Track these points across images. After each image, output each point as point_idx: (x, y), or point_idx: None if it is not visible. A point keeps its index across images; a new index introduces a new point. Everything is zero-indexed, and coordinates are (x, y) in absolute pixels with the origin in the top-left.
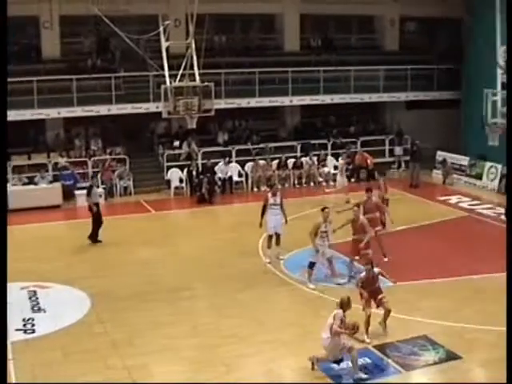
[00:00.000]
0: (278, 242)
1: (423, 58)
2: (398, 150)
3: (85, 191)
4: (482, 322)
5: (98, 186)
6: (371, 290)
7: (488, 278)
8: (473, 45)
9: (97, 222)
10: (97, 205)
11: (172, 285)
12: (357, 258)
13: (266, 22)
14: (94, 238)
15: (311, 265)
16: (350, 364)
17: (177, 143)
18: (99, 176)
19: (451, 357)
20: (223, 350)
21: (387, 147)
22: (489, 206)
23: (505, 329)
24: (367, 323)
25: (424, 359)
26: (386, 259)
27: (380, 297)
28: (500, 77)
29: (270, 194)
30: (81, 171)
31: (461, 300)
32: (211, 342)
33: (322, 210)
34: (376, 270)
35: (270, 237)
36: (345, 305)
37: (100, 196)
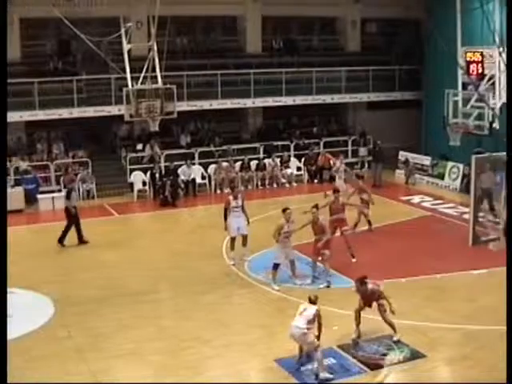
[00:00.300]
0: (244, 243)
1: (384, 58)
2: (363, 151)
3: (49, 195)
4: (445, 321)
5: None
6: (370, 304)
7: (451, 276)
8: (433, 45)
9: (72, 225)
10: (75, 208)
11: (136, 288)
12: (319, 258)
13: (227, 24)
14: (62, 239)
15: (275, 266)
16: (316, 364)
17: (139, 146)
18: (61, 180)
19: (416, 355)
20: (188, 353)
21: (350, 148)
22: (451, 205)
23: (472, 327)
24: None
25: (389, 358)
26: (354, 260)
27: (381, 308)
28: (460, 77)
29: (231, 197)
30: (43, 175)
31: (424, 299)
32: (176, 346)
33: (284, 210)
34: (370, 286)
35: (233, 239)
36: (316, 302)
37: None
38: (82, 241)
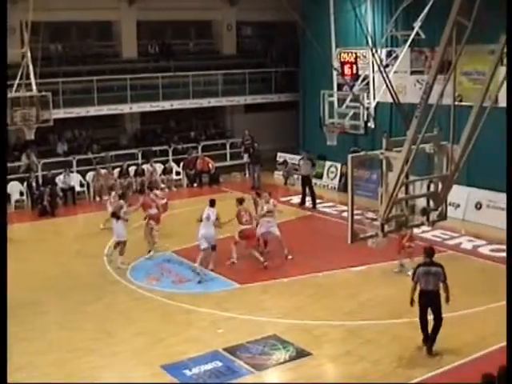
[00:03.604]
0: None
1: (261, 61)
2: (246, 157)
3: None
4: (328, 318)
5: None
6: None
7: (332, 274)
8: (309, 47)
9: None
10: None
11: (21, 301)
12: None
13: (102, 30)
14: None
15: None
16: (202, 369)
17: (15, 155)
18: None
19: (301, 354)
20: (76, 364)
21: (228, 151)
22: (330, 204)
23: (350, 322)
24: None
25: (275, 358)
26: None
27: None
28: (336, 78)
29: (122, 202)
30: None
31: (307, 297)
32: (65, 357)
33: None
34: None
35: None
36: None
37: None
38: None
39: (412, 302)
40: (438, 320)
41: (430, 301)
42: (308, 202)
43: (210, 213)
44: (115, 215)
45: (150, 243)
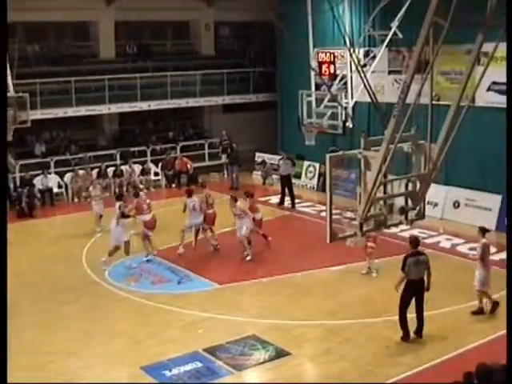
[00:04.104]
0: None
1: (239, 61)
2: (224, 157)
3: None
4: (307, 318)
5: None
6: None
7: (310, 274)
8: (286, 48)
9: None
10: None
11: None
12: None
13: (80, 30)
14: None
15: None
16: (182, 370)
17: None
18: None
19: (280, 354)
20: (56, 366)
21: (207, 151)
22: (309, 203)
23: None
24: None
25: (254, 358)
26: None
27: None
28: (313, 78)
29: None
30: None
31: (286, 297)
32: (43, 359)
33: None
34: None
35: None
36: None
37: None
38: None
39: (397, 289)
40: (421, 307)
41: (417, 290)
42: (287, 202)
43: (195, 203)
44: (124, 215)
45: (149, 249)
